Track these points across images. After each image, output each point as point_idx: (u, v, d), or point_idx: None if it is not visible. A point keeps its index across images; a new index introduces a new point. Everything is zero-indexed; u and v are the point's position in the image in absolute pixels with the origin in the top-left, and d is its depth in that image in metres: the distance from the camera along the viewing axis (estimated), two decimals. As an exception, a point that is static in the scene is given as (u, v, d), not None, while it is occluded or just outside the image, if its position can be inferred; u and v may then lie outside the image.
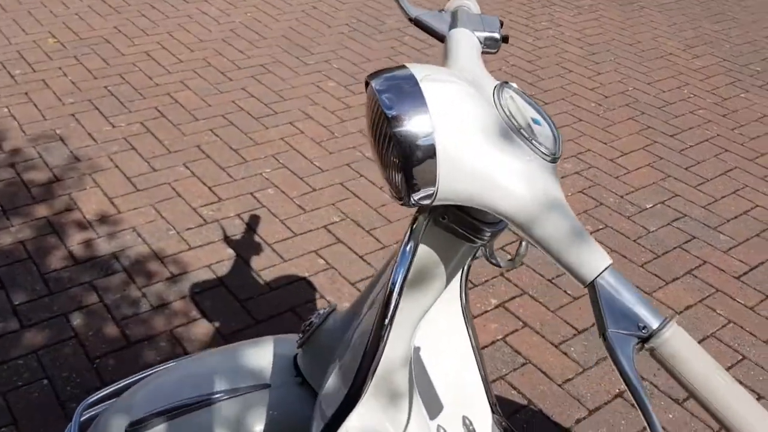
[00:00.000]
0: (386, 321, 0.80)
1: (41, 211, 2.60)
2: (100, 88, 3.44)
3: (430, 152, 0.75)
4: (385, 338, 0.80)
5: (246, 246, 2.51)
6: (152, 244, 2.48)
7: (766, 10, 5.18)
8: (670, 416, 1.98)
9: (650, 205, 2.89)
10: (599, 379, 2.08)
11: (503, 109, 0.81)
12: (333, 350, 1.12)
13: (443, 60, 0.98)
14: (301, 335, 1.16)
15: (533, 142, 0.80)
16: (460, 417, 1.35)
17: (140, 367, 2.01)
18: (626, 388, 0.69)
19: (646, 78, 3.96)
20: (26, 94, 3.36)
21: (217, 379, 1.16)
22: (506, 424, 1.39)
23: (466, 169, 0.76)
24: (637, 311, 0.73)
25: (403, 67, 0.79)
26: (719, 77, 4.04)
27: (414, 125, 0.75)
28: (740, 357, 2.19)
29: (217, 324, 2.18)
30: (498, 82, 0.86)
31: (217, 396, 1.14)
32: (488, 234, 0.90)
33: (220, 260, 2.43)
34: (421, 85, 0.76)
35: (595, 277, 0.75)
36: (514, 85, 0.87)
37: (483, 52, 1.02)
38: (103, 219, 2.58)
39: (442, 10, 1.08)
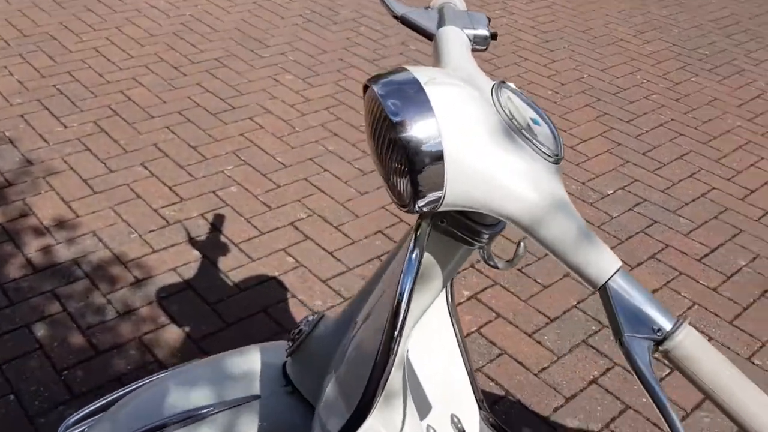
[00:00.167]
0: (396, 332, 0.78)
1: (-6, 217, 2.50)
2: (48, 87, 3.31)
3: (438, 157, 0.73)
4: (395, 350, 0.78)
5: (212, 246, 2.46)
6: (114, 249, 2.40)
7: (710, -6, 5.31)
8: (644, 400, 2.02)
9: (611, 191, 2.93)
10: (573, 366, 2.10)
11: (504, 110, 0.80)
12: (325, 359, 1.10)
13: (435, 59, 0.96)
14: (290, 343, 1.14)
15: (536, 143, 0.79)
16: (449, 416, 1.34)
17: (110, 377, 1.95)
18: (646, 392, 0.68)
19: (600, 64, 4.01)
20: (-30, 94, 3.22)
21: (205, 392, 1.13)
22: (493, 420, 1.39)
23: (473, 173, 0.75)
24: (650, 313, 0.72)
25: (404, 70, 0.77)
26: (670, 62, 4.12)
27: (421, 130, 0.73)
28: (707, 338, 2.24)
29: (187, 329, 2.13)
30: (495, 82, 0.85)
31: (206, 410, 1.11)
32: (486, 236, 0.89)
33: (186, 262, 2.37)
34: (426, 89, 0.74)
35: (606, 280, 0.74)
36: (512, 84, 0.86)
37: (472, 50, 1.00)
38: (61, 224, 2.49)
39: (428, 7, 1.06)
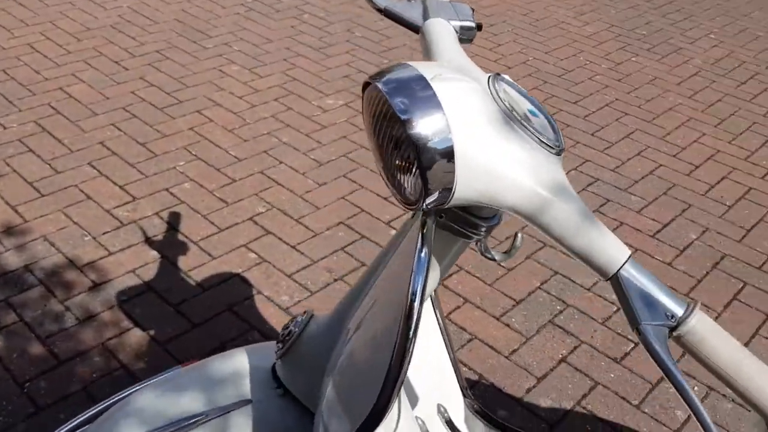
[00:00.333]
0: (411, 333, 0.77)
1: (-65, 226, 2.38)
2: (-18, 86, 3.16)
3: (449, 153, 0.72)
4: (410, 350, 0.77)
5: (170, 246, 2.39)
6: (67, 253, 2.32)
7: (643, -25, 5.43)
8: (612, 375, 2.07)
9: (565, 172, 2.98)
10: (542, 346, 2.14)
11: (504, 103, 0.80)
12: (317, 359, 1.08)
13: (425, 53, 0.95)
14: (280, 345, 1.12)
15: (537, 134, 0.79)
16: (435, 405, 1.35)
17: (76, 386, 1.89)
18: (666, 377, 0.69)
19: (544, 47, 4.07)
20: None
21: (195, 399, 1.10)
22: (478, 406, 1.40)
23: (481, 168, 0.74)
24: (663, 300, 0.74)
25: (406, 66, 0.76)
26: (610, 43, 4.21)
27: (430, 127, 0.72)
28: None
29: (151, 332, 2.07)
30: (490, 74, 0.85)
31: (198, 418, 1.08)
32: (484, 229, 0.89)
33: (144, 264, 2.31)
34: (433, 84, 0.73)
35: (618, 270, 0.75)
36: (506, 76, 0.85)
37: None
38: (9, 230, 2.39)
39: (411, -1, 1.05)
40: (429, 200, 0.76)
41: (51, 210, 2.49)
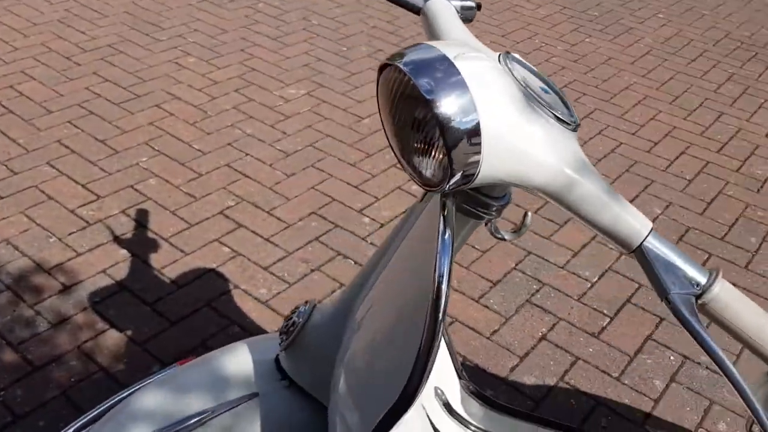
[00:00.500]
0: (440, 315, 0.77)
1: None
2: (-74, 87, 3.02)
3: (476, 132, 0.72)
4: (440, 332, 0.77)
5: (140, 244, 2.34)
6: (33, 256, 2.24)
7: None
8: (591, 350, 2.11)
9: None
10: (521, 325, 2.17)
11: (519, 81, 0.80)
12: (322, 348, 1.07)
13: (429, 34, 0.94)
14: (283, 336, 1.10)
15: (554, 111, 0.79)
16: (432, 388, 1.35)
17: (54, 392, 1.83)
18: (699, 345, 0.71)
19: (500, 30, 4.10)
20: None
21: (201, 396, 1.08)
22: (473, 387, 1.41)
23: (506, 147, 0.74)
24: (686, 269, 0.75)
25: (426, 46, 0.75)
26: (564, 24, 4.26)
27: (457, 106, 0.71)
28: (637, 285, 2.37)
29: (128, 332, 2.02)
30: (501, 53, 0.84)
31: (205, 415, 1.06)
32: (495, 208, 0.89)
33: (115, 263, 2.25)
34: (456, 63, 0.72)
35: (641, 242, 0.76)
36: (517, 55, 0.85)
37: (460, 23, 0.99)
38: (-31, 235, 2.30)
39: (408, -20, 1.04)
40: (453, 181, 0.75)
41: (12, 212, 2.40)
